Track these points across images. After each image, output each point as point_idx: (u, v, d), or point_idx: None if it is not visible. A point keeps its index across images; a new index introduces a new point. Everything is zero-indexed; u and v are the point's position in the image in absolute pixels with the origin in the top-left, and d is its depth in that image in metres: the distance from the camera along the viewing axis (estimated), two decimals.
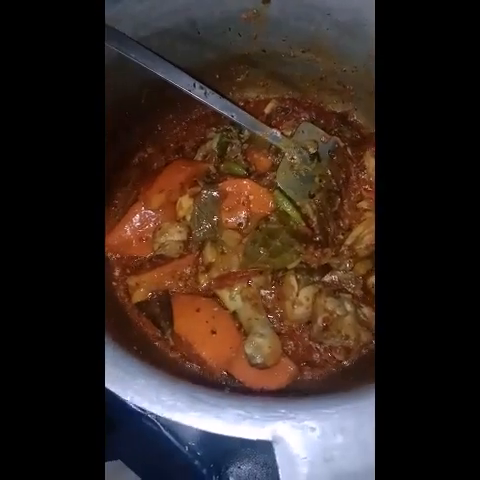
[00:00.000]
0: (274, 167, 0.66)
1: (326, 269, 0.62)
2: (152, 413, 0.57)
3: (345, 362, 0.60)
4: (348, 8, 0.55)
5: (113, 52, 0.53)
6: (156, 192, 0.63)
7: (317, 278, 0.61)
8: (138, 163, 0.71)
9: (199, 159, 0.68)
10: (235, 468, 0.60)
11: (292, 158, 0.63)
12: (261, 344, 0.56)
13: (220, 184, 0.63)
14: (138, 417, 0.61)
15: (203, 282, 0.61)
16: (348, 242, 0.64)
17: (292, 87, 0.73)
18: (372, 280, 0.61)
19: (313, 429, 0.33)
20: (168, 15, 0.56)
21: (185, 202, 0.64)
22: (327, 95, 0.72)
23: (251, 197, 0.64)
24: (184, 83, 0.56)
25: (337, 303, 0.58)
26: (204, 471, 0.61)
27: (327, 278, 0.61)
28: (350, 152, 0.68)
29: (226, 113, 0.60)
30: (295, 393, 0.53)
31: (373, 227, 0.64)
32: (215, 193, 0.63)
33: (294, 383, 0.58)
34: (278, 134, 0.63)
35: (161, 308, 0.60)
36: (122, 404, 0.56)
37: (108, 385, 0.36)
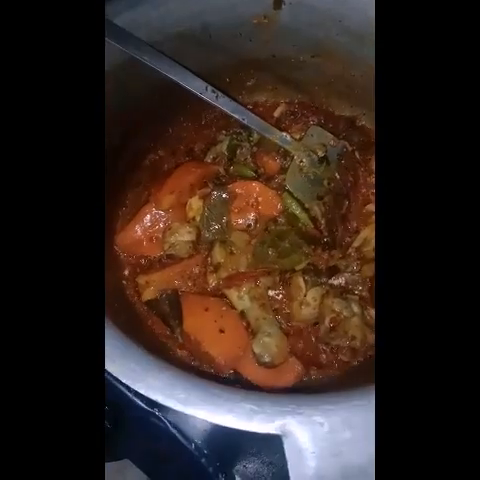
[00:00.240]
0: (283, 170, 0.67)
1: (334, 271, 0.63)
2: (160, 411, 0.58)
3: (351, 362, 0.61)
4: (361, 16, 0.56)
5: (126, 56, 0.55)
6: (167, 193, 0.64)
7: (325, 279, 0.62)
8: (149, 165, 0.72)
9: (209, 161, 0.70)
10: (241, 467, 0.61)
11: (301, 161, 0.64)
12: (269, 343, 0.57)
13: (229, 186, 0.64)
14: (145, 415, 0.62)
15: (212, 282, 0.62)
16: (355, 244, 0.65)
17: (301, 91, 0.74)
18: None
19: (322, 424, 0.34)
20: (182, 20, 0.58)
21: (195, 203, 0.65)
22: (336, 99, 0.73)
23: (260, 199, 0.65)
24: (197, 86, 0.58)
25: (344, 304, 0.59)
26: (210, 469, 0.62)
27: (334, 280, 0.62)
28: (358, 156, 0.69)
29: (237, 116, 0.61)
30: (303, 391, 0.54)
31: None
32: (224, 195, 0.64)
33: (301, 382, 0.59)
34: (288, 137, 0.64)
35: (170, 307, 0.61)
36: (129, 403, 0.57)
37: (120, 377, 0.37)
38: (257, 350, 0.56)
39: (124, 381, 0.36)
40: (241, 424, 0.33)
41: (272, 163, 0.68)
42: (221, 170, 0.68)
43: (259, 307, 0.60)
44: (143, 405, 0.58)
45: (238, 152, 0.69)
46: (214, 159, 0.70)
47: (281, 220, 0.64)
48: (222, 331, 0.57)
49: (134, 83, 0.60)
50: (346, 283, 0.62)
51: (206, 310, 0.59)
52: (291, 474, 0.33)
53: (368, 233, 0.65)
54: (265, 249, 0.61)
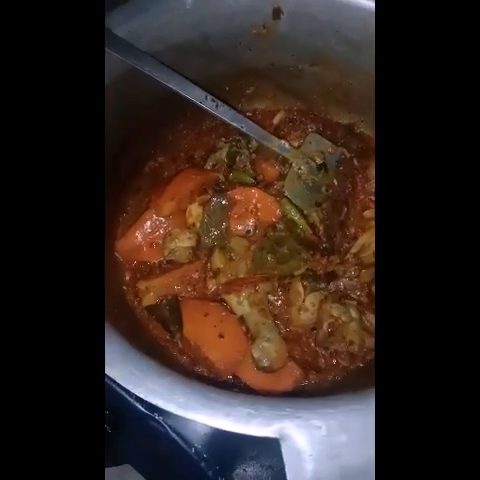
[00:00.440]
0: (281, 176, 0.68)
1: (332, 276, 0.64)
2: (160, 415, 0.58)
3: (350, 367, 0.61)
4: (358, 25, 0.57)
5: (127, 65, 0.56)
6: (167, 200, 0.65)
7: (323, 285, 0.62)
8: (150, 171, 0.73)
9: (209, 168, 0.70)
10: (241, 470, 0.61)
11: (299, 168, 0.65)
12: (268, 348, 0.57)
13: (229, 192, 0.65)
14: (145, 419, 0.62)
15: (211, 287, 0.63)
16: (353, 250, 0.66)
17: (300, 99, 0.75)
18: None
19: (319, 428, 0.34)
20: (182, 31, 0.59)
21: (195, 209, 0.65)
22: (334, 107, 0.74)
23: (259, 205, 0.66)
24: (196, 96, 0.59)
25: (342, 309, 0.60)
26: (210, 473, 0.62)
27: (333, 285, 0.63)
28: (356, 163, 0.70)
29: (236, 124, 0.62)
30: (301, 395, 0.55)
31: None
32: (224, 201, 0.65)
33: (300, 387, 0.59)
34: (286, 145, 0.65)
35: (170, 312, 0.62)
36: (129, 407, 0.58)
37: (120, 381, 0.37)
38: (256, 355, 0.57)
39: (124, 386, 0.37)
40: (239, 428, 0.34)
41: (271, 170, 0.69)
42: (221, 177, 0.69)
43: (258, 312, 0.61)
44: (143, 409, 0.59)
45: (237, 159, 0.70)
46: (214, 166, 0.71)
47: (280, 226, 0.65)
48: (222, 336, 0.58)
49: (134, 92, 0.61)
50: (344, 288, 0.63)
51: (206, 315, 0.60)
52: (289, 477, 0.34)
53: (366, 239, 0.66)
54: (264, 255, 0.62)
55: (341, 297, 0.62)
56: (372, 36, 0.57)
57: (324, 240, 0.65)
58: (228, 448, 0.62)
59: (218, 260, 0.63)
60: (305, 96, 0.74)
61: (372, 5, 0.56)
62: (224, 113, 0.61)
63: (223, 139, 0.72)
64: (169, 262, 0.65)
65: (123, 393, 0.56)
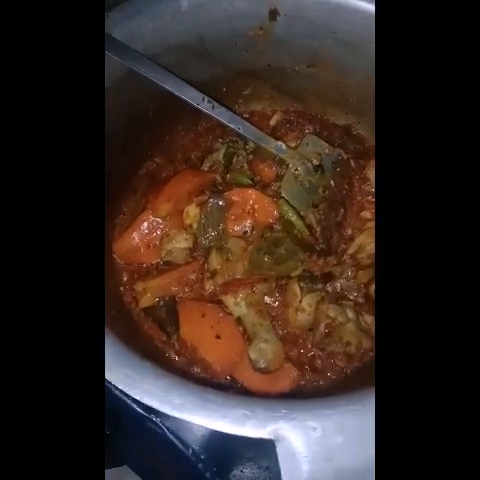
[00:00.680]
0: (278, 177, 0.68)
1: (329, 277, 0.64)
2: (157, 416, 0.58)
3: (347, 368, 0.61)
4: (352, 28, 0.58)
5: (124, 68, 0.56)
6: (164, 201, 0.65)
7: (320, 286, 0.62)
8: (147, 173, 0.73)
9: (206, 169, 0.71)
10: (238, 471, 0.61)
11: (296, 169, 0.65)
12: (265, 349, 0.57)
13: (226, 193, 0.65)
14: (142, 421, 0.62)
15: (208, 288, 0.63)
16: (350, 251, 0.66)
17: (297, 100, 0.76)
18: (374, 288, 0.63)
19: (314, 429, 0.34)
20: (178, 33, 0.59)
21: (192, 210, 0.65)
22: (331, 108, 0.75)
23: (256, 206, 0.66)
24: (193, 97, 0.59)
25: (339, 310, 0.60)
26: (207, 475, 0.62)
27: (330, 286, 0.63)
28: (353, 164, 0.70)
29: (233, 126, 0.62)
30: (298, 396, 0.55)
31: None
32: (221, 202, 0.65)
33: (297, 388, 0.59)
34: (283, 146, 0.66)
35: (167, 313, 0.62)
36: (126, 408, 0.58)
37: (116, 383, 0.37)
38: (253, 356, 0.57)
39: (120, 388, 0.37)
40: (234, 429, 0.34)
41: (268, 171, 0.69)
42: (218, 178, 0.69)
43: (255, 313, 0.61)
44: (141, 411, 0.59)
45: (234, 160, 0.70)
46: (211, 167, 0.71)
47: (277, 227, 0.65)
48: (218, 337, 0.58)
49: (132, 93, 0.61)
50: (341, 289, 0.63)
51: (203, 316, 0.60)
52: (284, 478, 0.34)
53: (363, 240, 0.66)
54: (261, 256, 0.62)
55: (338, 298, 0.62)
56: (368, 37, 0.58)
57: (321, 241, 0.65)
58: (225, 449, 0.62)
59: (215, 261, 0.63)
60: (302, 97, 0.74)
61: (368, 7, 0.56)
62: (221, 114, 0.61)
63: (220, 140, 0.72)
64: (166, 263, 0.65)
65: (120, 395, 0.56)
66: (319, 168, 0.66)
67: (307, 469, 0.34)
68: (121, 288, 0.65)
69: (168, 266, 0.65)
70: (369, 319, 0.61)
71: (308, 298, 0.61)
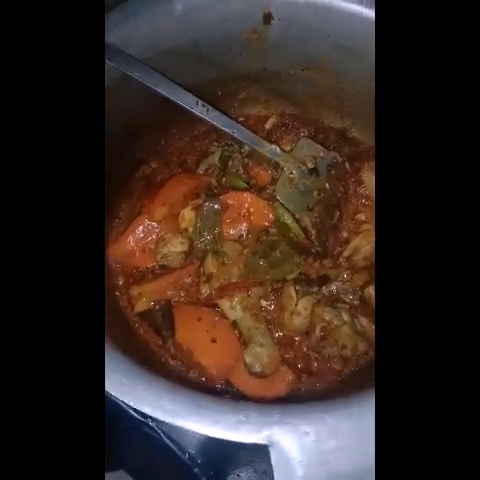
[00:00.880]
0: (274, 181, 0.68)
1: (324, 280, 0.64)
2: (153, 421, 0.58)
3: (343, 371, 0.61)
4: (346, 32, 0.58)
5: (119, 71, 0.56)
6: (159, 205, 0.65)
7: (316, 289, 0.62)
8: (142, 176, 0.73)
9: (201, 173, 0.71)
10: (235, 476, 0.61)
11: (291, 173, 0.65)
12: (260, 353, 0.57)
13: (221, 197, 0.65)
14: (138, 426, 0.62)
15: (204, 292, 0.63)
16: (346, 254, 0.66)
17: (292, 103, 0.76)
18: (369, 291, 0.63)
19: (308, 433, 0.34)
20: (172, 36, 0.59)
21: (187, 214, 0.65)
22: (326, 111, 0.75)
23: (252, 209, 0.66)
24: (187, 101, 0.59)
25: (335, 313, 0.60)
26: (204, 479, 0.62)
27: (325, 289, 0.63)
28: (348, 167, 0.70)
29: (227, 130, 0.62)
30: (291, 402, 0.54)
31: (371, 239, 0.66)
32: (216, 205, 0.65)
33: (293, 392, 0.59)
34: (277, 150, 0.66)
35: (163, 317, 0.62)
36: (122, 413, 0.58)
37: (109, 390, 0.37)
38: (248, 360, 0.57)
39: (113, 394, 0.36)
40: (228, 435, 0.34)
41: (263, 174, 0.69)
42: (213, 181, 0.69)
43: (251, 317, 0.61)
44: (136, 415, 0.58)
45: (230, 163, 0.70)
46: (206, 170, 0.71)
47: (273, 230, 0.65)
48: (214, 341, 0.58)
49: (126, 97, 0.61)
50: (337, 292, 0.63)
51: (198, 320, 0.60)
52: None
53: (358, 242, 0.66)
54: (257, 259, 0.62)
55: (333, 301, 0.62)
56: (363, 41, 0.58)
57: (316, 244, 0.65)
58: (222, 454, 0.62)
59: (211, 265, 0.63)
60: (297, 100, 0.74)
61: (363, 11, 0.57)
62: (215, 118, 0.61)
63: (215, 143, 0.72)
64: (162, 267, 0.65)
65: (116, 399, 0.56)
66: (314, 171, 0.66)
67: (301, 474, 0.34)
68: (117, 292, 0.65)
69: (164, 270, 0.65)
70: (365, 322, 0.61)
71: (304, 301, 0.61)
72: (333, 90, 0.70)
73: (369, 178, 0.70)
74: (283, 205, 0.65)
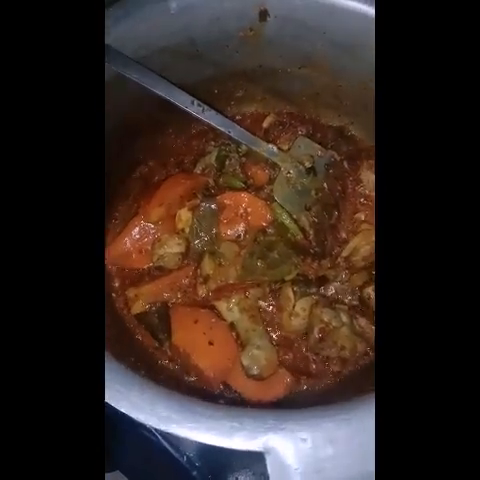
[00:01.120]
0: (271, 180, 0.67)
1: (323, 280, 0.63)
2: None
3: (341, 372, 0.61)
4: (343, 29, 0.57)
5: (114, 72, 0.55)
6: (155, 205, 0.64)
7: (314, 289, 0.62)
8: (139, 177, 0.72)
9: (198, 172, 0.70)
10: (233, 479, 0.61)
11: (288, 172, 0.64)
12: (258, 356, 0.57)
13: (218, 197, 0.65)
14: (136, 428, 0.62)
15: (201, 293, 0.62)
16: (344, 254, 0.65)
17: (289, 102, 0.75)
18: (368, 291, 0.62)
19: (304, 440, 0.34)
20: (168, 35, 0.58)
21: (184, 215, 0.65)
22: (324, 109, 0.74)
23: (249, 210, 0.65)
24: (182, 101, 0.58)
25: (333, 314, 0.59)
26: None
27: (324, 289, 0.62)
28: (346, 165, 0.69)
29: (223, 129, 0.61)
30: (289, 404, 0.54)
31: (369, 239, 0.65)
32: (213, 206, 0.64)
33: (291, 394, 0.59)
34: (274, 149, 0.65)
35: (159, 319, 0.61)
36: (120, 415, 0.57)
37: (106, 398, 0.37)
38: (246, 362, 0.56)
39: (107, 400, 0.36)
40: (222, 442, 0.33)
41: (261, 173, 0.69)
42: (210, 181, 0.68)
43: (248, 318, 0.60)
44: (134, 418, 0.58)
45: (227, 163, 0.69)
46: (203, 170, 0.70)
47: (270, 231, 0.64)
48: (211, 343, 0.57)
49: (122, 97, 0.60)
50: (335, 293, 0.62)
51: (195, 322, 0.59)
52: None
53: (357, 242, 0.65)
54: (254, 261, 0.61)
55: (332, 302, 0.61)
56: (360, 39, 0.58)
57: (315, 244, 0.64)
58: (220, 456, 0.61)
59: (208, 266, 0.62)
60: (295, 99, 0.73)
61: (360, 8, 0.56)
62: (211, 118, 0.60)
63: (212, 143, 0.71)
64: (158, 268, 0.64)
65: None
66: (311, 170, 0.65)
67: None
68: (113, 294, 0.65)
69: (160, 271, 0.64)
70: (363, 322, 0.61)
71: (302, 302, 0.60)
72: (331, 88, 0.69)
73: (368, 177, 0.69)
74: (281, 205, 0.64)
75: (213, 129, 0.64)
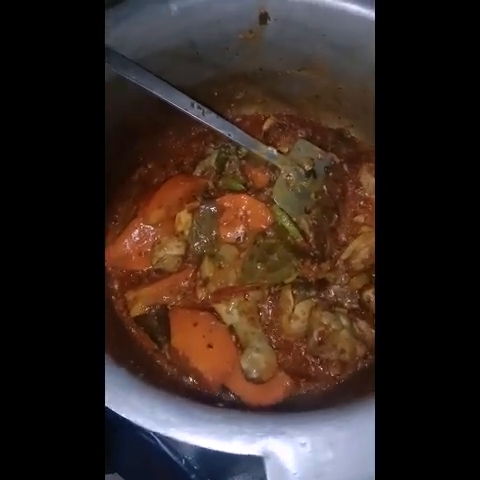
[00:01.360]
0: (271, 183, 0.67)
1: (323, 283, 0.63)
2: None
3: (341, 376, 0.60)
4: (342, 32, 0.57)
5: (114, 73, 0.55)
6: (155, 207, 0.64)
7: (313, 292, 0.61)
8: (139, 179, 0.72)
9: (198, 175, 0.70)
10: None
11: (288, 175, 0.64)
12: (257, 359, 0.57)
13: (218, 199, 0.65)
14: (135, 431, 0.61)
15: (201, 296, 0.62)
16: (344, 257, 0.65)
17: (289, 104, 0.75)
18: (368, 294, 0.62)
19: (303, 444, 0.33)
20: (168, 37, 0.58)
21: (183, 217, 0.65)
22: (324, 112, 0.74)
23: (249, 212, 0.65)
24: (182, 103, 0.58)
25: (333, 317, 0.59)
26: None
27: (323, 292, 0.62)
28: (346, 168, 0.69)
29: (223, 132, 0.61)
30: (289, 408, 0.54)
31: (369, 241, 0.65)
32: (213, 208, 0.64)
33: (291, 397, 0.58)
34: (274, 152, 0.65)
35: (159, 322, 0.61)
36: (118, 418, 0.57)
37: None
38: (245, 366, 0.56)
39: (106, 404, 0.36)
40: (221, 446, 0.33)
41: (261, 176, 0.69)
42: (210, 184, 0.68)
43: (248, 321, 0.60)
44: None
45: (227, 165, 0.69)
46: (203, 173, 0.70)
47: (270, 233, 0.64)
48: (210, 346, 0.57)
49: (121, 99, 0.60)
50: (335, 296, 0.62)
51: (195, 325, 0.59)
52: None
53: (357, 245, 0.65)
54: (254, 264, 0.61)
55: (332, 305, 0.61)
56: (360, 41, 0.58)
57: (314, 247, 0.64)
58: (219, 460, 0.61)
59: (207, 268, 0.62)
60: (295, 101, 0.74)
61: (359, 11, 0.56)
62: (211, 120, 0.60)
63: (212, 145, 0.71)
64: (158, 271, 0.64)
65: None
66: (311, 173, 0.65)
67: None
68: (112, 297, 0.65)
69: (160, 274, 0.64)
70: (363, 325, 0.61)
71: (301, 305, 0.60)
72: (330, 90, 0.69)
73: (367, 180, 0.69)
74: (281, 208, 0.64)
75: (213, 131, 0.64)
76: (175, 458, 0.62)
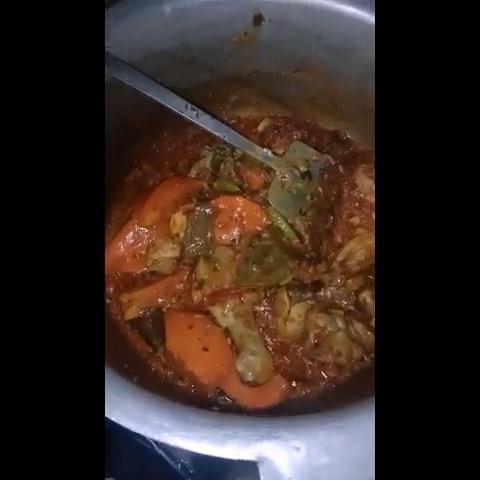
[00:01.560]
0: (267, 184, 0.67)
1: (318, 285, 0.63)
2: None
3: (337, 378, 0.60)
4: (338, 34, 0.57)
5: (108, 75, 0.55)
6: (149, 209, 0.64)
7: (309, 294, 0.61)
8: (134, 181, 0.72)
9: (193, 176, 0.69)
10: None
11: (283, 177, 0.64)
12: (253, 362, 0.56)
13: (213, 201, 0.64)
14: (131, 435, 0.61)
15: (196, 298, 0.62)
16: (340, 258, 0.65)
17: (284, 106, 0.75)
18: (364, 296, 0.62)
19: (298, 449, 0.33)
20: (163, 39, 0.58)
21: (178, 219, 0.64)
22: (319, 113, 0.74)
23: (244, 214, 0.65)
24: (177, 105, 0.58)
25: (329, 319, 0.59)
26: None
27: (319, 294, 0.62)
28: (342, 170, 0.69)
29: (218, 134, 0.61)
30: (285, 411, 0.53)
31: (365, 243, 0.65)
32: (208, 210, 0.64)
33: (287, 400, 0.58)
34: (269, 153, 0.65)
35: (154, 325, 0.60)
36: (114, 422, 0.57)
37: None
38: (240, 369, 0.56)
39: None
40: (215, 451, 0.33)
41: (256, 177, 0.68)
42: (205, 185, 0.68)
43: (243, 324, 0.59)
44: None
45: (222, 167, 0.69)
46: (198, 174, 0.70)
47: (265, 235, 0.64)
48: (206, 349, 0.57)
49: (116, 101, 0.59)
50: (331, 297, 0.62)
51: (190, 328, 0.58)
52: None
53: (352, 246, 0.65)
54: (249, 266, 0.61)
55: (328, 307, 0.61)
56: (355, 43, 0.58)
57: (310, 249, 0.64)
58: (215, 464, 0.60)
59: (202, 270, 0.62)
60: (290, 103, 0.73)
61: (354, 12, 0.56)
62: (205, 122, 0.60)
63: (207, 147, 0.71)
64: (152, 273, 0.64)
65: None
66: (306, 175, 0.65)
67: None
68: (107, 300, 0.64)
69: (154, 276, 0.64)
70: (359, 328, 0.60)
71: (297, 307, 0.59)
72: (326, 92, 0.69)
73: (363, 181, 0.69)
74: (276, 209, 0.64)
75: (208, 133, 0.64)
76: (171, 462, 0.62)
